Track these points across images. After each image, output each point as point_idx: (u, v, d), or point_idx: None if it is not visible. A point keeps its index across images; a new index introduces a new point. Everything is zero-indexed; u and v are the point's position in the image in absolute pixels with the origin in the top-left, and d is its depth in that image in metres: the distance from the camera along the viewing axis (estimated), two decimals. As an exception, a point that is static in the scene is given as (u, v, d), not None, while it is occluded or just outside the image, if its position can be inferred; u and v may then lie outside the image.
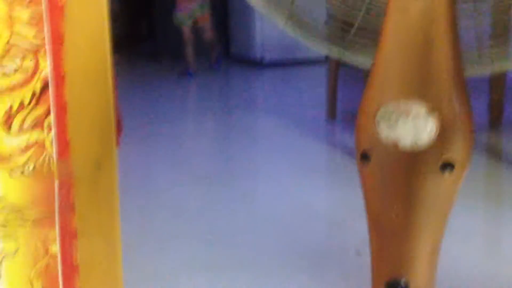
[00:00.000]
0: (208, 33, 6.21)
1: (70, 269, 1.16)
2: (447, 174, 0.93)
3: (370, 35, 1.02)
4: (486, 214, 3.47)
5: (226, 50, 6.97)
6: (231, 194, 3.04)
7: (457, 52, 0.92)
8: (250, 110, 5.01)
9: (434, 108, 0.91)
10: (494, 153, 4.26)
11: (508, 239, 2.99)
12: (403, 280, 0.95)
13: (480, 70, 0.98)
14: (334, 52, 1.03)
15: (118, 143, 2.18)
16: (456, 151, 0.93)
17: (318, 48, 1.03)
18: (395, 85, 0.92)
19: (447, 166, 0.92)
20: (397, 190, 0.95)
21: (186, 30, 6.14)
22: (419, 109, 0.91)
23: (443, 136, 0.92)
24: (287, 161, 3.52)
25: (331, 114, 4.31)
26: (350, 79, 4.48)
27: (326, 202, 2.67)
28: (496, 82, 3.99)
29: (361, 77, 3.43)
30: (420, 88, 0.91)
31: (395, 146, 0.93)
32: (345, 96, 4.72)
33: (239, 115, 4.87)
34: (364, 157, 0.95)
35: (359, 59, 1.05)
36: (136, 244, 2.33)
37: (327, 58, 5.84)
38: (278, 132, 4.24)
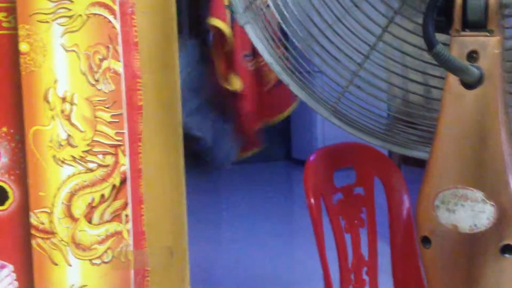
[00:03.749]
0: None
1: None
2: (507, 257, 0.96)
3: (406, 126, 1.09)
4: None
5: (287, 154, 7.06)
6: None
7: (511, 140, 0.98)
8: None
9: (492, 195, 0.95)
10: None
11: None
12: None
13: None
14: (377, 144, 1.10)
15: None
16: (515, 235, 0.96)
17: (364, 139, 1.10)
18: (452, 173, 0.97)
19: (507, 249, 0.96)
20: (459, 272, 0.98)
21: None
22: (476, 195, 0.96)
23: (502, 220, 0.95)
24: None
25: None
26: (412, 178, 4.49)
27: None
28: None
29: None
30: (477, 175, 0.96)
31: (455, 230, 0.97)
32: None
33: (303, 218, 4.89)
34: (425, 241, 1.00)
35: (399, 150, 1.11)
36: None
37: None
38: (341, 233, 4.23)
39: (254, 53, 1.46)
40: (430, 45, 0.89)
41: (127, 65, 1.19)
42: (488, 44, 0.95)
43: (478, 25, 0.96)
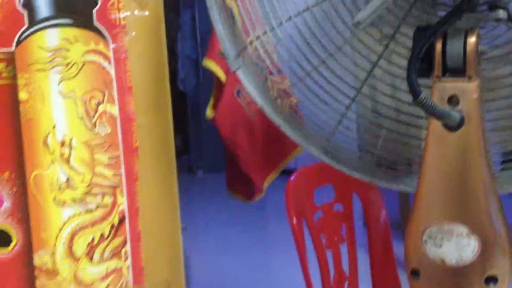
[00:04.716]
0: None
1: None
2: (492, 286, 1.03)
3: (391, 164, 1.16)
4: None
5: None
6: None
7: (491, 177, 1.04)
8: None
9: (475, 229, 1.02)
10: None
11: None
12: None
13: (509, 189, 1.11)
14: (365, 179, 1.16)
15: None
16: (499, 266, 1.03)
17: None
18: (438, 209, 1.04)
19: (491, 279, 1.03)
20: (447, 303, 1.05)
21: None
22: (461, 230, 1.03)
23: (485, 253, 1.02)
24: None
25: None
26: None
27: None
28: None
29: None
30: (461, 211, 1.03)
31: (442, 263, 1.03)
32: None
33: (278, 227, 4.95)
34: (414, 273, 1.06)
35: (387, 185, 1.18)
36: None
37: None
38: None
39: None
40: (415, 94, 0.95)
41: (122, 109, 1.24)
42: (468, 89, 1.02)
43: (457, 71, 1.02)
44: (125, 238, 1.25)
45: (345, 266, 2.11)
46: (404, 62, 1.09)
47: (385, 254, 2.15)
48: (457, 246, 1.03)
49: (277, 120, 1.17)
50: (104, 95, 1.23)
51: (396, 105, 1.16)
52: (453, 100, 1.02)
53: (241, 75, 1.16)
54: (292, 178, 2.06)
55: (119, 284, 1.25)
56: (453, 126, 1.02)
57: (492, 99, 1.12)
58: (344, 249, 2.11)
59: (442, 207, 1.04)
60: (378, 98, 1.17)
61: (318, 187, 2.12)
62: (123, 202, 1.25)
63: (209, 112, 1.71)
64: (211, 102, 1.57)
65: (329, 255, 2.08)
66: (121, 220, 1.25)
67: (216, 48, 1.57)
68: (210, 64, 1.47)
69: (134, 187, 1.26)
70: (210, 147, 6.26)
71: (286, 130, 1.17)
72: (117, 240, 1.25)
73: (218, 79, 1.60)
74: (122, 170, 1.25)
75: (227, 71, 1.53)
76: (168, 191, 1.30)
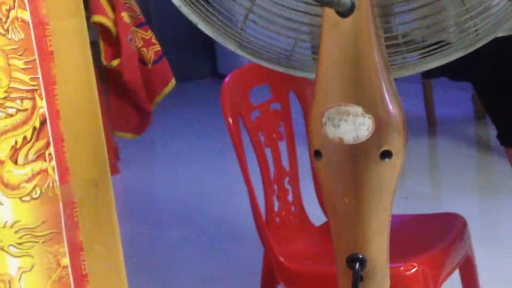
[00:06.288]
0: None
1: (80, 278, 1.33)
2: (386, 161, 1.10)
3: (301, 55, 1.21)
4: (480, 202, 3.65)
5: (214, 70, 7.07)
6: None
7: (384, 60, 1.10)
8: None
9: (369, 108, 1.08)
10: (483, 144, 4.44)
11: (502, 224, 3.18)
12: (360, 255, 1.13)
13: (404, 73, 1.16)
14: (281, 70, 1.21)
15: (116, 170, 2.31)
16: (392, 141, 1.10)
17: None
18: (335, 93, 1.10)
19: (386, 154, 1.10)
20: (346, 179, 1.12)
21: None
22: (356, 110, 1.09)
23: (379, 130, 1.09)
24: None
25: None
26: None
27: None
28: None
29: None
30: (356, 93, 1.09)
31: (341, 142, 1.10)
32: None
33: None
34: (317, 154, 1.13)
35: (300, 74, 1.23)
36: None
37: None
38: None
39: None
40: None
41: (34, 13, 1.26)
42: (357, -24, 1.06)
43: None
44: (48, 140, 1.30)
45: (286, 163, 2.19)
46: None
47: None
48: (353, 125, 1.09)
49: (194, 19, 1.21)
50: (14, 1, 1.25)
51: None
52: (344, -14, 1.07)
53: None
54: (226, 79, 2.10)
55: (46, 184, 1.30)
56: (344, 12, 1.06)
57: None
58: (284, 146, 2.19)
59: (338, 90, 1.10)
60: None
61: (254, 87, 2.17)
62: (43, 105, 1.29)
63: (115, 63, 1.83)
64: (105, 52, 1.66)
65: (269, 153, 2.15)
66: (43, 123, 1.29)
67: (99, 4, 1.65)
68: (100, 19, 1.51)
69: (52, 90, 1.29)
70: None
71: (202, 27, 1.21)
72: (40, 142, 1.29)
73: (104, 32, 1.70)
74: (39, 74, 1.28)
75: (115, 23, 1.61)
76: (87, 92, 1.34)
